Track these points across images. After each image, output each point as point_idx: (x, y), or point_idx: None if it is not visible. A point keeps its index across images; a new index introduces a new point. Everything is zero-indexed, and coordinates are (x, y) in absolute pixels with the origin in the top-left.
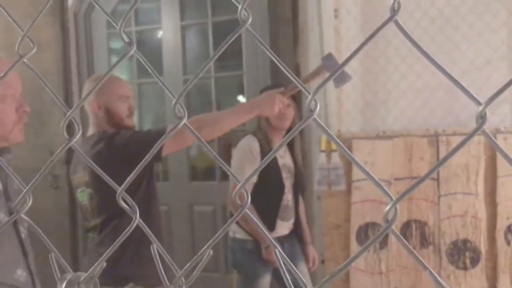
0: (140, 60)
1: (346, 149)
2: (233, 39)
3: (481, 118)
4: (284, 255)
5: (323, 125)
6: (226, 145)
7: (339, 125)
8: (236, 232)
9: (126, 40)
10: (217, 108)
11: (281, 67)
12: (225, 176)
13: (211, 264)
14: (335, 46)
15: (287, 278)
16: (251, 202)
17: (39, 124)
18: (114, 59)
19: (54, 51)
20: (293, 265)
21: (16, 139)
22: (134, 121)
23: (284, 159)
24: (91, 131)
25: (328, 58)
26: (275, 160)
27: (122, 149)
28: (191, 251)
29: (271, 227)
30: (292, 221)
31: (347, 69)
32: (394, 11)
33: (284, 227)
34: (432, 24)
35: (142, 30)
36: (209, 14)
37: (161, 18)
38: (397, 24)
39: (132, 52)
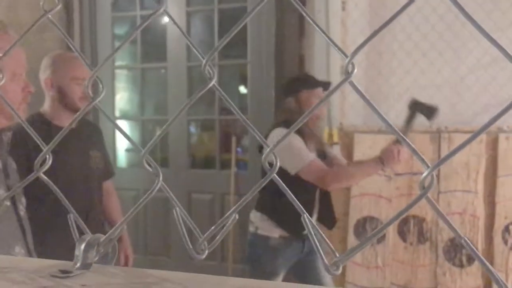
0: (169, 18)
1: (383, 114)
2: (263, 4)
3: None
4: (313, 222)
5: (359, 88)
6: (227, 134)
7: (342, 118)
8: (259, 228)
9: None
10: (219, 96)
11: (320, 31)
12: (225, 165)
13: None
14: (341, 39)
15: (317, 245)
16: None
17: (40, 105)
18: (118, 44)
19: (57, 31)
20: (323, 234)
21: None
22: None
23: (314, 153)
24: (43, 107)
25: (416, 104)
26: None
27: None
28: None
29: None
30: (315, 216)
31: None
32: None
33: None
34: (441, 21)
35: (147, 15)
36: (216, 1)
37: (167, 3)
38: None
39: (161, 10)
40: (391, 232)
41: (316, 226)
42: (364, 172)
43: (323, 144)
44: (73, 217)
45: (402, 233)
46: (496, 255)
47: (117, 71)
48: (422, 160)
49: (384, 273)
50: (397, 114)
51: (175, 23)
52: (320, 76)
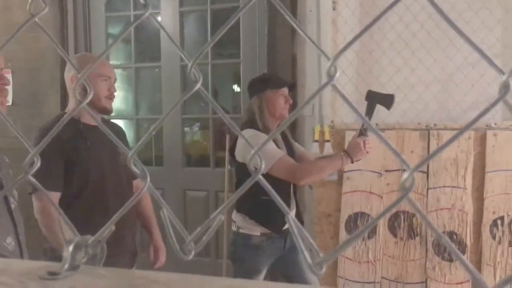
0: (157, 23)
1: (371, 125)
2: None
3: (505, 87)
4: (296, 221)
5: (341, 91)
6: (221, 133)
7: (333, 116)
8: (240, 227)
9: (142, 2)
10: (213, 95)
11: (307, 38)
12: (218, 163)
13: (202, 249)
14: (332, 38)
15: (300, 244)
16: (265, 194)
17: (35, 105)
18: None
19: (52, 31)
20: (307, 234)
21: None
22: (115, 105)
23: (283, 150)
24: (69, 107)
25: (372, 96)
26: None
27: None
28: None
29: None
30: (294, 211)
31: (343, 60)
32: None
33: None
34: (429, 19)
35: (140, 15)
36: (208, 1)
37: (160, 3)
38: None
39: (146, 14)
40: (382, 227)
41: (300, 225)
42: (333, 166)
43: (291, 141)
44: (62, 219)
45: (392, 228)
46: (485, 249)
47: None
48: (404, 162)
49: (375, 268)
50: (387, 112)
51: (161, 26)
52: (312, 75)
